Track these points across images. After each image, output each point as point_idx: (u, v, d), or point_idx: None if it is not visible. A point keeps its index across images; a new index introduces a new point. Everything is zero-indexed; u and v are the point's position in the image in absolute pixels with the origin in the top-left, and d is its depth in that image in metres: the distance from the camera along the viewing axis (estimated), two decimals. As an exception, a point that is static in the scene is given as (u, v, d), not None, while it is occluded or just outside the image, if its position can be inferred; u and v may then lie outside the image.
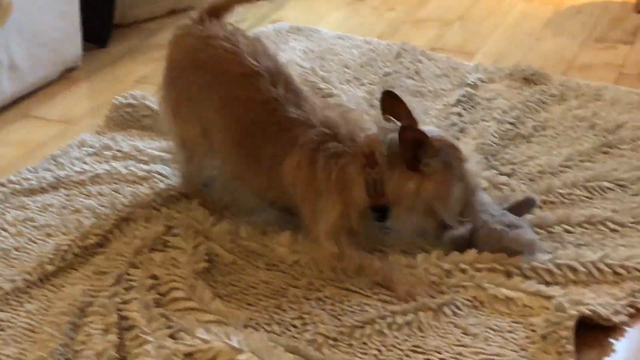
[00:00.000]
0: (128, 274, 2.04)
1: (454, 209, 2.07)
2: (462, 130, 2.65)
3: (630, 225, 2.18)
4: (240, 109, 2.12)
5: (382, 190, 2.02)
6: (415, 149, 1.97)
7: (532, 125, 2.67)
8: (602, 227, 2.18)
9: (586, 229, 2.17)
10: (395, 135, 1.99)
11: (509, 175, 2.42)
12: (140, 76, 3.12)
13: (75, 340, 1.86)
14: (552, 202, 2.29)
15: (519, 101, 2.81)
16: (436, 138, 2.02)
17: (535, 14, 3.62)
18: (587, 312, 1.82)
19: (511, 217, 2.08)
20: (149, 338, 1.82)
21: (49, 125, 2.80)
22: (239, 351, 1.72)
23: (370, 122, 2.15)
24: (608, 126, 2.63)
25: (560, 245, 2.11)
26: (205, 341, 1.75)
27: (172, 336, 1.83)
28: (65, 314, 1.91)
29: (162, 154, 2.53)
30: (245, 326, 1.87)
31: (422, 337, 1.84)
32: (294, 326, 1.88)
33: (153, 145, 2.60)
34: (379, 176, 2.02)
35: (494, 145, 2.56)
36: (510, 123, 2.68)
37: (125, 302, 1.95)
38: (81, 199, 2.35)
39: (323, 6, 3.77)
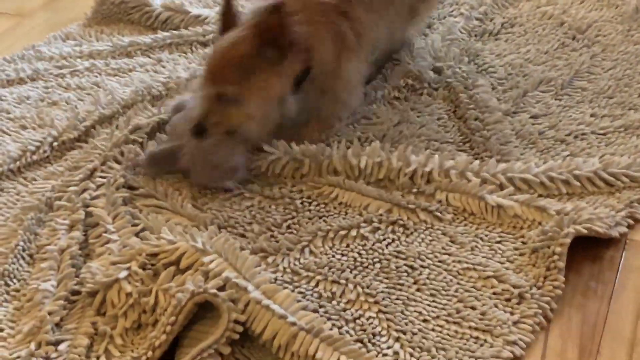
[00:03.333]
0: (103, 170, 2.02)
1: None
2: (429, 26, 2.61)
3: (612, 130, 2.13)
4: None
5: None
6: None
7: (500, 22, 2.64)
8: (591, 135, 2.12)
9: (576, 137, 2.12)
10: None
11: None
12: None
13: (39, 236, 1.84)
14: (523, 110, 2.23)
15: (487, -4, 2.76)
16: None
17: None
18: (584, 231, 1.75)
19: None
20: (113, 237, 1.81)
21: (0, 19, 2.73)
22: (205, 252, 1.70)
23: None
24: (577, 24, 2.61)
25: (548, 155, 2.05)
26: (170, 242, 1.73)
27: (137, 235, 1.82)
28: (31, 208, 1.89)
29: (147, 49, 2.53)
30: (225, 227, 1.85)
31: (407, 242, 1.81)
32: (276, 226, 1.87)
33: (138, 40, 2.57)
34: None
35: (462, 40, 2.53)
36: (478, 19, 2.65)
37: (93, 199, 1.93)
38: (59, 92, 2.31)
39: None
